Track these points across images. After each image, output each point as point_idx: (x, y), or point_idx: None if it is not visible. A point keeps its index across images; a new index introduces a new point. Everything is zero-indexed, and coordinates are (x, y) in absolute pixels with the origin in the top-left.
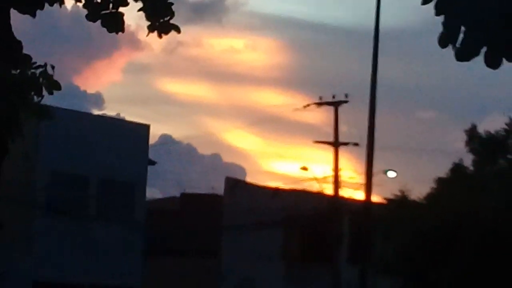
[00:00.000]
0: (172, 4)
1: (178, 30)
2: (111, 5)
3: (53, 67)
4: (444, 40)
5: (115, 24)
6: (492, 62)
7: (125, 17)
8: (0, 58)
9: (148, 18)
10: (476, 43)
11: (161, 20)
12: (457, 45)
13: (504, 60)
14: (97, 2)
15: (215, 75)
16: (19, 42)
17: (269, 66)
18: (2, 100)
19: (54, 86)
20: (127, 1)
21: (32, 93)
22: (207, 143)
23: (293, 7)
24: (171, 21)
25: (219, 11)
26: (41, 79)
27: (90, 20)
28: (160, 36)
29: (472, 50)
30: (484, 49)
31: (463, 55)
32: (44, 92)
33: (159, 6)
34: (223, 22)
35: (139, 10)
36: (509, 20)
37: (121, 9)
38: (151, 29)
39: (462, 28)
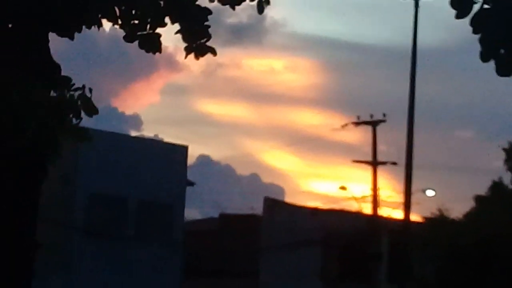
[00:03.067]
0: (209, 26)
1: (214, 52)
2: (148, 26)
3: (90, 90)
4: (486, 55)
5: (152, 44)
6: None
7: (163, 39)
8: (39, 81)
9: (185, 40)
10: None
11: (198, 42)
12: (498, 60)
13: None
14: (134, 23)
15: (253, 96)
16: (58, 65)
17: (307, 86)
18: (41, 122)
19: (92, 109)
20: (164, 22)
21: (71, 115)
22: (245, 163)
23: (331, 27)
24: (209, 43)
25: (258, 33)
26: (79, 102)
27: (127, 41)
28: (197, 58)
29: None
30: None
31: (504, 69)
32: (83, 114)
33: (196, 28)
34: (262, 43)
35: (177, 32)
36: None
37: (159, 30)
38: (188, 51)
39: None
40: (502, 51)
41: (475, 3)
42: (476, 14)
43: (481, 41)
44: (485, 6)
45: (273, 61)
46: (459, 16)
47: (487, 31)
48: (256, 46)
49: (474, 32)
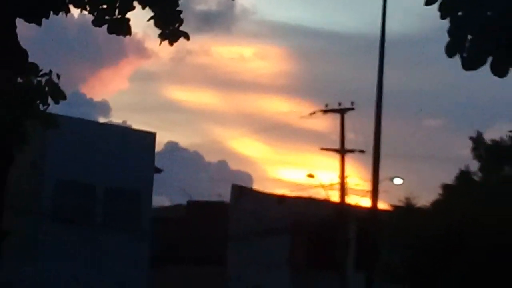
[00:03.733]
0: (180, 12)
1: (187, 37)
2: (117, 11)
3: (58, 76)
4: (451, 49)
5: (122, 28)
6: (499, 71)
7: (132, 25)
8: (6, 67)
9: (157, 25)
10: (483, 52)
11: (171, 28)
12: (464, 54)
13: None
14: (103, 8)
15: (222, 83)
16: (25, 51)
17: (276, 73)
18: (7, 108)
19: (59, 95)
20: (133, 6)
21: (38, 101)
22: (213, 150)
23: (301, 15)
24: (181, 29)
25: (228, 20)
26: (46, 88)
27: (96, 25)
28: (171, 44)
29: (479, 59)
30: (490, 58)
31: (470, 64)
32: (50, 101)
33: (168, 14)
34: (232, 30)
35: (149, 19)
36: None
37: (128, 16)
38: (162, 37)
39: (468, 37)
40: (467, 44)
41: None
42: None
43: (449, 30)
44: None
45: (242, 49)
46: (428, 2)
47: (455, 16)
48: (226, 33)
49: (442, 17)
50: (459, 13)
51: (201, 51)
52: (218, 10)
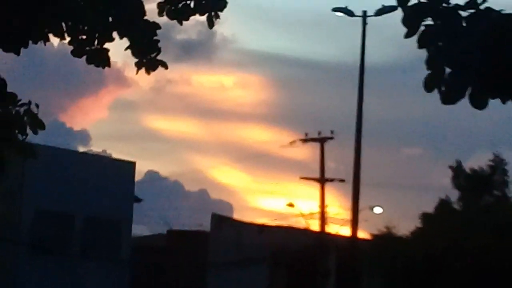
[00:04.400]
0: (158, 41)
1: (165, 66)
2: (96, 41)
3: (37, 106)
4: (430, 84)
5: (101, 59)
6: (479, 103)
7: (112, 54)
8: None
9: (134, 55)
10: (461, 84)
11: (148, 57)
12: (442, 88)
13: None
14: (82, 39)
15: (202, 112)
16: (3, 80)
17: (256, 102)
18: None
19: (38, 125)
20: (112, 37)
21: (16, 131)
22: (194, 179)
23: (281, 44)
24: (159, 58)
25: (208, 49)
26: (25, 118)
27: (75, 56)
28: (148, 72)
29: (457, 93)
30: (469, 91)
31: (448, 98)
32: (28, 131)
33: (145, 43)
34: (212, 59)
35: (126, 48)
36: (492, 59)
37: (107, 45)
38: (139, 66)
39: (447, 70)
40: (446, 77)
41: (424, 20)
42: (423, 31)
43: (426, 61)
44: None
45: (222, 77)
46: (409, 34)
47: (433, 49)
48: (206, 62)
49: (420, 47)
50: (437, 44)
51: (181, 80)
52: (198, 39)
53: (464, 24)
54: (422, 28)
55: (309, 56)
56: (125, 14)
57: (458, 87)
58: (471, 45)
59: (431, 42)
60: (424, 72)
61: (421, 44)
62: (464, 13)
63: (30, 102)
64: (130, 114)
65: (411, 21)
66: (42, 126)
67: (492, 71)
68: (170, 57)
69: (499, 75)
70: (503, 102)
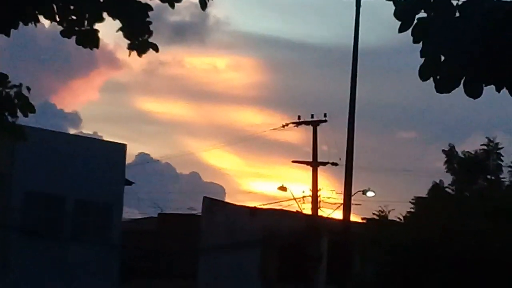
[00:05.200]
0: (150, 22)
1: (156, 49)
2: (86, 22)
3: (29, 89)
4: (425, 73)
5: (90, 40)
6: (473, 92)
7: (103, 36)
8: None
9: (126, 37)
10: (456, 74)
11: (140, 39)
12: (437, 77)
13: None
14: (72, 19)
15: (194, 94)
16: None
17: (248, 85)
18: None
19: (29, 108)
20: (102, 17)
21: (6, 113)
22: (185, 162)
23: (274, 26)
24: (150, 40)
25: (201, 31)
26: (16, 100)
27: (64, 37)
28: (140, 55)
29: (452, 82)
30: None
31: (443, 87)
32: (19, 113)
33: (137, 25)
34: (205, 41)
35: (118, 30)
36: (486, 47)
37: (99, 27)
38: (130, 48)
39: (442, 59)
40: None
41: (417, 13)
42: (416, 24)
43: (422, 50)
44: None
45: (215, 60)
46: (402, 28)
47: (427, 40)
48: (199, 44)
49: (415, 41)
50: (431, 37)
51: (173, 62)
52: (191, 21)
53: (457, 14)
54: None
55: (303, 39)
56: None
57: (452, 76)
58: (466, 34)
59: (425, 35)
60: (418, 55)
61: (415, 38)
62: (456, 2)
63: (21, 85)
64: (122, 96)
65: (404, 15)
66: (33, 109)
67: (487, 59)
68: (163, 39)
69: (494, 62)
70: (498, 90)
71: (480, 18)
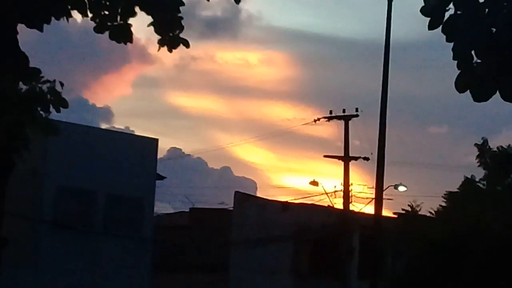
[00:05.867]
0: (181, 18)
1: (187, 44)
2: (119, 17)
3: (62, 84)
4: (461, 84)
5: (123, 35)
6: (509, 97)
7: (136, 31)
8: (7, 72)
9: (157, 31)
10: (491, 75)
11: (171, 34)
12: (473, 87)
13: None
14: (104, 14)
15: (227, 89)
16: (25, 56)
17: (280, 80)
18: (8, 115)
19: (61, 103)
20: (135, 12)
21: (39, 108)
22: (217, 157)
23: (307, 21)
24: (182, 35)
25: (233, 26)
26: (49, 96)
27: (98, 32)
28: (170, 50)
29: (489, 91)
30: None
31: (480, 96)
32: (51, 109)
33: (168, 20)
34: (237, 36)
35: (149, 24)
36: None
37: (131, 22)
38: (161, 43)
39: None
40: (475, 69)
41: (447, 10)
42: (446, 21)
43: (453, 48)
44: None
45: (247, 54)
46: (432, 25)
47: (459, 37)
48: (231, 39)
49: (448, 40)
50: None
51: (205, 57)
52: (223, 16)
53: (486, 9)
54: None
55: (335, 33)
56: None
57: (488, 85)
58: (496, 25)
59: (456, 32)
60: (450, 49)
61: (447, 36)
62: None
63: (54, 81)
64: (154, 91)
65: (432, 11)
66: (65, 104)
67: None
68: (195, 34)
69: None
70: None
71: (507, 14)
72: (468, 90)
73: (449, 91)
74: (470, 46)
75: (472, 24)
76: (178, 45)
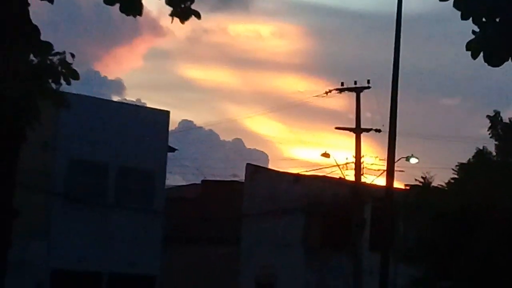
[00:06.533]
0: None
1: (198, 16)
2: None
3: (73, 56)
4: (475, 48)
5: (133, 7)
6: None
7: (146, 3)
8: (18, 45)
9: (168, 3)
10: (507, 48)
11: (182, 6)
12: (487, 51)
13: None
14: None
15: (238, 61)
16: (36, 28)
17: (292, 52)
18: (19, 87)
19: (72, 75)
20: None
21: (50, 80)
22: (228, 129)
23: None
24: (193, 8)
25: None
26: (59, 68)
27: (108, 4)
28: (182, 22)
29: (503, 55)
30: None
31: (494, 60)
32: (62, 81)
33: None
34: (249, 9)
35: None
36: None
37: None
38: (173, 14)
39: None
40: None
41: None
42: None
43: (462, 15)
44: None
45: (259, 27)
46: None
47: (470, 6)
48: (243, 11)
49: (462, 17)
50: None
51: (217, 30)
52: None
53: None
54: None
55: (347, 5)
56: None
57: (503, 50)
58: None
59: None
60: (462, 22)
61: (463, 13)
62: None
63: (64, 52)
64: (165, 63)
65: None
66: (76, 76)
67: None
68: (207, 7)
69: None
70: None
71: None
72: (482, 54)
73: (461, 63)
74: (480, 10)
75: None
76: (190, 16)
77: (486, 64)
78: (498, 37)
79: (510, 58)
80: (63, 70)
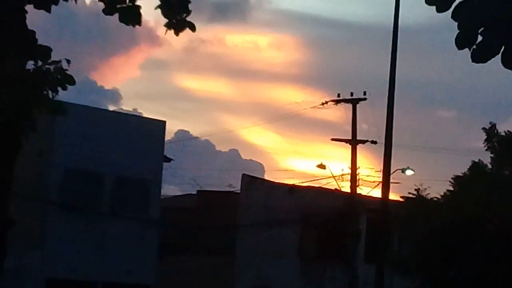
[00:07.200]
0: (189, 2)
1: (193, 28)
2: None
3: (68, 62)
4: (461, 41)
5: (132, 17)
6: (510, 63)
7: (144, 13)
8: (15, 52)
9: (164, 14)
10: (493, 45)
11: (178, 18)
12: (474, 47)
13: None
14: None
15: (235, 72)
16: (33, 32)
17: (288, 63)
18: (15, 95)
19: (68, 80)
20: None
21: (47, 88)
22: (225, 139)
23: (316, 4)
24: (193, 19)
25: (243, 9)
26: (56, 75)
27: (107, 14)
28: (177, 34)
29: (489, 52)
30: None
31: (479, 57)
32: (59, 88)
33: (175, 3)
34: (247, 20)
35: (156, 7)
36: None
37: (139, 3)
38: (168, 26)
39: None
40: (479, 38)
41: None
42: (456, 7)
43: (459, 26)
44: None
45: (256, 38)
46: (439, 10)
47: (468, 20)
48: (240, 22)
49: (459, 27)
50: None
51: (214, 40)
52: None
53: None
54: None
55: (343, 17)
56: None
57: (489, 47)
58: (507, 10)
59: (466, 15)
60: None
61: (459, 23)
62: None
63: (60, 61)
64: (162, 73)
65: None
66: (72, 81)
67: None
68: (204, 17)
69: None
70: None
71: None
72: (468, 50)
73: (457, 76)
74: (476, 24)
75: (481, 9)
76: (185, 28)
77: (482, 77)
78: (487, 35)
79: (498, 54)
80: (59, 76)
